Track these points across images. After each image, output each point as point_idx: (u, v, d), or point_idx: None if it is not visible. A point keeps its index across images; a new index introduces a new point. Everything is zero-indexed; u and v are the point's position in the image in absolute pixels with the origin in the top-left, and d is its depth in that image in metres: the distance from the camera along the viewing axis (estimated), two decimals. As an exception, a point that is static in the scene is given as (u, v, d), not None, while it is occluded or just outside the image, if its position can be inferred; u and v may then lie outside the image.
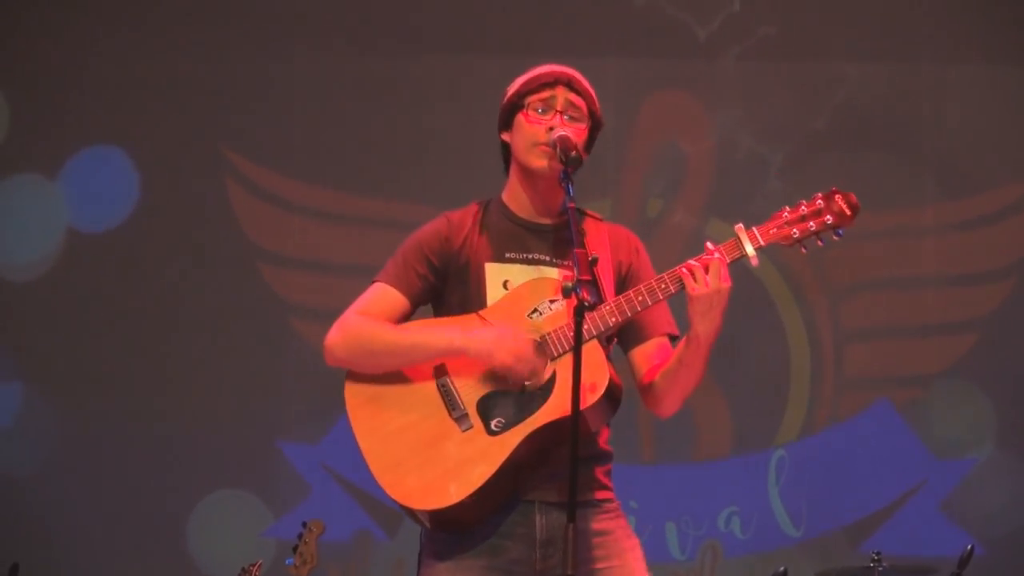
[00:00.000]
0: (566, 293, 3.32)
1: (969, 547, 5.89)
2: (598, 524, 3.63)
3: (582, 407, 3.34)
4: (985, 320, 7.64)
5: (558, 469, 3.46)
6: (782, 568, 6.04)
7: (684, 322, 3.61)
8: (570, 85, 3.70)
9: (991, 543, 7.12)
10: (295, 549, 5.69)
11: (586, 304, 3.24)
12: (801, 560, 7.02)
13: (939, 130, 7.81)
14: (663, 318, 3.75)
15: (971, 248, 7.70)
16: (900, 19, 7.81)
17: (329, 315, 3.80)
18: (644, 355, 3.74)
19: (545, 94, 3.69)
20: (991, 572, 6.85)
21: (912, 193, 7.74)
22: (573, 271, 3.33)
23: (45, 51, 7.76)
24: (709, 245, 3.55)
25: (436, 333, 3.65)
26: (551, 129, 3.64)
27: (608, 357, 3.64)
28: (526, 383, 3.53)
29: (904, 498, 7.51)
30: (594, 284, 3.33)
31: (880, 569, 6.04)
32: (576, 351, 3.26)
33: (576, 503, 3.27)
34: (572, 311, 3.33)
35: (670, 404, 3.71)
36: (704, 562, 7.52)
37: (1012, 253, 7.67)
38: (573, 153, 3.54)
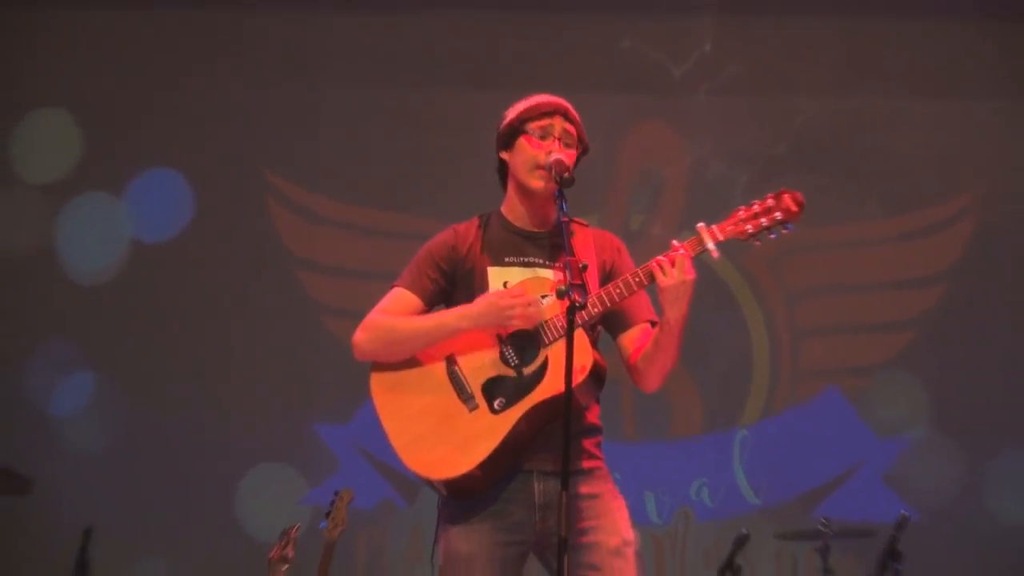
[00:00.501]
0: (560, 295, 3.46)
1: (904, 513, 6.04)
2: (587, 488, 3.75)
3: (574, 385, 3.48)
4: (921, 319, 7.77)
5: (553, 442, 3.56)
6: (744, 531, 6.18)
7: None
8: (566, 115, 3.86)
9: (926, 511, 7.19)
10: (328, 514, 5.77)
11: (577, 304, 3.42)
12: (761, 524, 7.02)
13: (882, 156, 7.89)
14: (644, 307, 3.86)
15: (909, 257, 7.81)
16: (850, 59, 7.91)
17: (355, 314, 3.97)
18: (629, 340, 3.85)
19: (544, 122, 3.83)
20: (926, 536, 6.88)
21: (859, 210, 7.82)
22: (566, 275, 3.46)
23: (112, 85, 7.92)
24: (675, 243, 3.66)
25: (447, 314, 3.81)
26: (549, 153, 3.77)
27: (594, 343, 3.76)
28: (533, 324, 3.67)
29: (850, 472, 7.61)
30: (583, 287, 3.47)
31: (829, 532, 6.22)
32: (568, 344, 3.42)
33: (569, 472, 3.39)
34: (564, 309, 3.46)
35: (652, 381, 3.81)
36: (678, 526, 7.64)
37: (944, 262, 7.79)
38: (567, 175, 3.69)
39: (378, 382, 3.84)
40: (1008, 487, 7.62)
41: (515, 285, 3.76)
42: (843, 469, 7.67)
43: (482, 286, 3.83)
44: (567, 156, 3.79)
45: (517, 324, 3.69)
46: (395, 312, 3.86)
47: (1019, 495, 7.63)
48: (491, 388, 3.72)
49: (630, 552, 3.74)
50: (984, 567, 7.54)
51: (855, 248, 7.87)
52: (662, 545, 7.63)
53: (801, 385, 7.85)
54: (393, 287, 3.93)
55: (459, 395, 3.74)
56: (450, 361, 3.79)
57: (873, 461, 7.69)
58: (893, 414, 7.74)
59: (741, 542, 6.15)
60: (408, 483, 7.56)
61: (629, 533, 3.78)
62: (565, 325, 3.49)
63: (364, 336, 3.85)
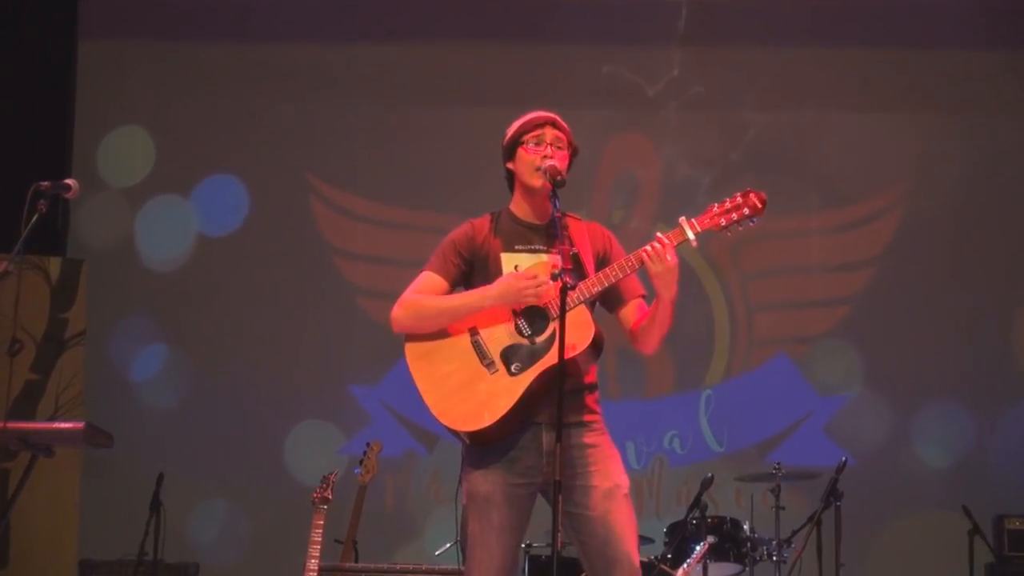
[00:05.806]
0: (554, 278, 3.40)
1: (843, 459, 5.84)
2: (588, 439, 3.59)
3: (574, 354, 3.44)
4: (855, 296, 7.63)
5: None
6: (709, 475, 5.99)
7: (651, 290, 3.62)
8: (554, 124, 3.72)
9: (860, 456, 7.00)
10: (361, 462, 5.75)
11: (568, 285, 3.35)
12: (723, 469, 6.93)
13: (819, 160, 7.76)
14: (635, 285, 3.73)
15: (844, 245, 7.68)
16: (791, 80, 7.81)
17: (384, 295, 3.93)
18: (627, 313, 3.72)
19: (537, 132, 3.70)
20: (860, 477, 6.65)
21: (802, 205, 7.69)
22: (559, 261, 3.40)
23: (180, 107, 7.81)
24: (659, 235, 3.52)
25: (470, 294, 3.66)
26: (544, 157, 3.65)
27: (593, 317, 3.63)
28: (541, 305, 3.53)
29: (797, 424, 7.51)
30: (575, 271, 3.41)
31: (780, 475, 6.10)
32: (561, 318, 3.34)
33: (563, 426, 3.32)
34: (559, 290, 3.37)
35: (651, 346, 3.69)
36: (654, 470, 7.53)
37: (873, 249, 7.65)
38: (559, 177, 3.58)
39: (412, 350, 3.67)
40: (929, 436, 7.52)
41: (527, 268, 3.62)
42: (791, 422, 7.57)
43: (496, 269, 3.69)
44: (560, 158, 3.68)
45: (530, 301, 3.58)
46: (424, 291, 3.72)
47: (938, 443, 7.51)
48: (508, 355, 3.57)
49: (620, 494, 3.56)
50: (910, 504, 7.44)
51: (799, 237, 7.75)
52: (641, 487, 7.49)
53: (755, 352, 7.73)
54: (422, 271, 3.76)
55: (481, 360, 3.59)
56: (472, 332, 3.65)
57: (816, 415, 7.58)
58: (832, 376, 7.62)
59: (707, 484, 5.93)
60: (428, 435, 7.40)
61: (621, 478, 3.59)
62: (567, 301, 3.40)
63: (400, 312, 3.69)
